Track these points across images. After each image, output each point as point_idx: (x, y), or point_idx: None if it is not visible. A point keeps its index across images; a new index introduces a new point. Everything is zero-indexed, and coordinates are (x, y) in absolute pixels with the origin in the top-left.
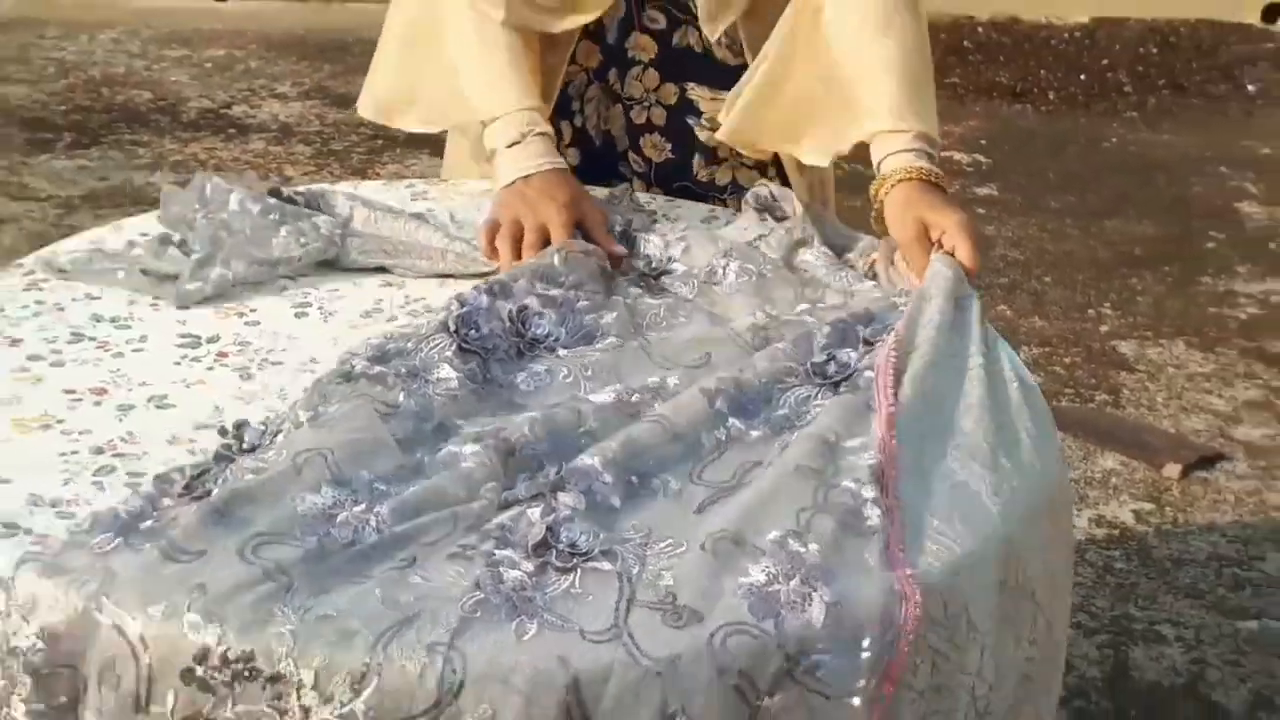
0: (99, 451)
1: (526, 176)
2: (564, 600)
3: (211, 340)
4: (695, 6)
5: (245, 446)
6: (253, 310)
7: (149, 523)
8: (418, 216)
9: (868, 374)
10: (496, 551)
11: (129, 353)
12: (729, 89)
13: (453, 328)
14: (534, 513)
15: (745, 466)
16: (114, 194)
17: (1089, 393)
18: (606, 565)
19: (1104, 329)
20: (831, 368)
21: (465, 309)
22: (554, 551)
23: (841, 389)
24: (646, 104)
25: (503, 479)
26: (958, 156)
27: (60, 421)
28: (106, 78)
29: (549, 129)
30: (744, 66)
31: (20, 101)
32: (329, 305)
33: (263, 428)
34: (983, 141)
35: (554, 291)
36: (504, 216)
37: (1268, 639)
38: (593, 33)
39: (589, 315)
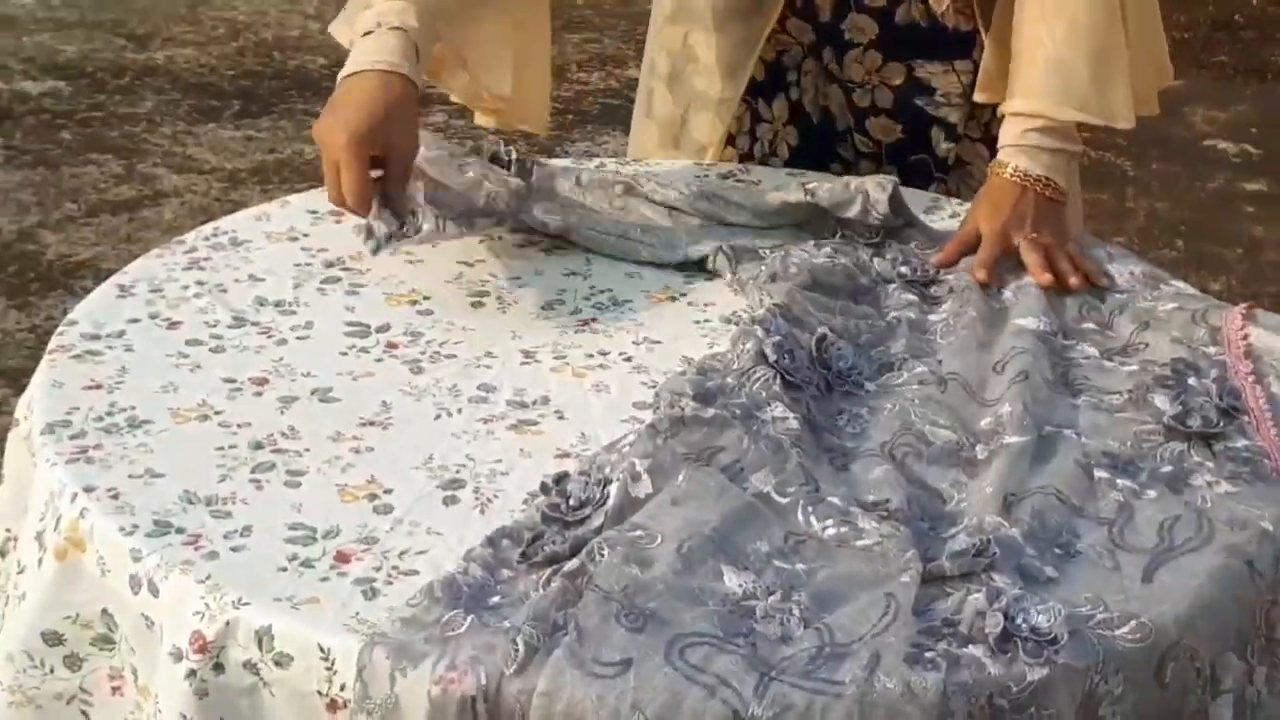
0: (258, 446)
1: (353, 74)
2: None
3: (381, 330)
4: None
5: (573, 504)
6: (426, 298)
7: (496, 598)
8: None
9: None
10: (959, 651)
11: (293, 340)
12: (964, 59)
13: (772, 357)
14: (978, 599)
15: (1168, 524)
16: (282, 167)
17: None
18: (1079, 652)
19: None
20: (1194, 422)
21: (776, 336)
22: (1019, 642)
23: (1214, 445)
24: (869, 86)
25: (912, 551)
26: (1222, 145)
27: (218, 413)
28: (279, 41)
29: (415, 28)
30: (977, 31)
31: (187, 65)
32: (508, 294)
33: (585, 479)
34: (1253, 129)
35: (837, 320)
36: (317, 137)
37: None
38: (802, 10)
39: (878, 347)
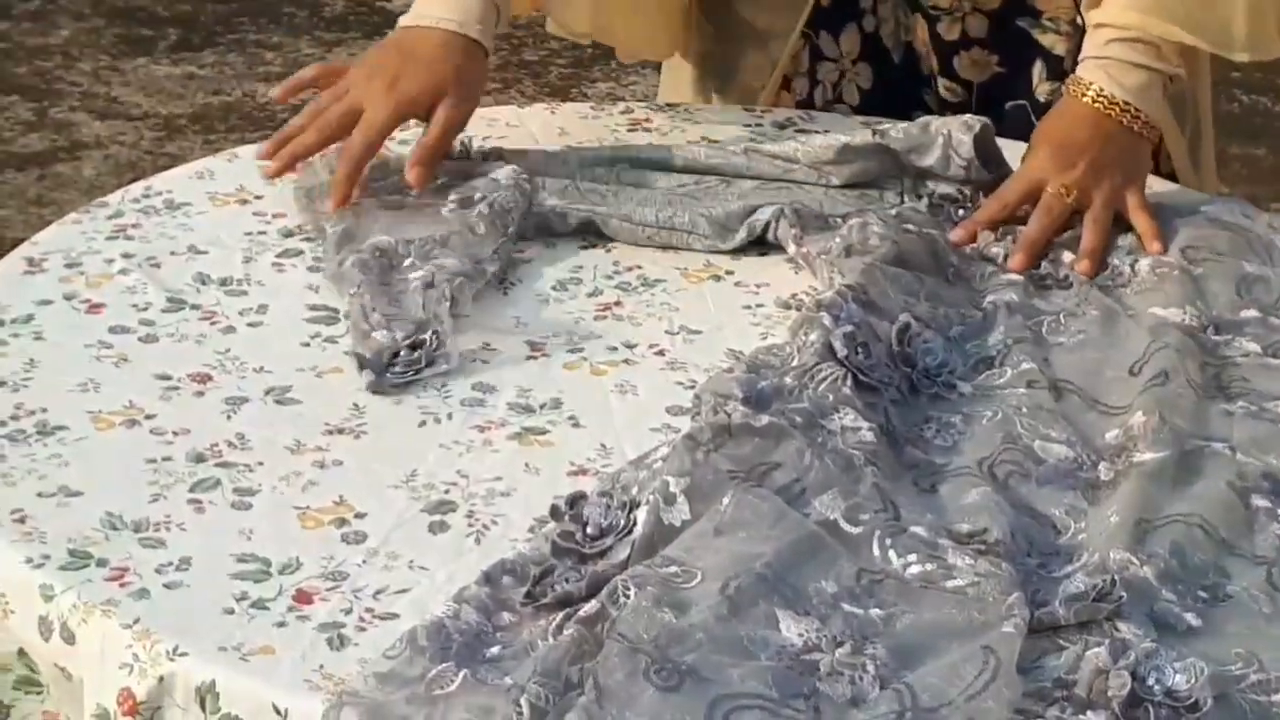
0: (199, 459)
1: (410, 28)
2: None
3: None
4: None
5: (591, 532)
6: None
7: (495, 648)
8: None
9: None
10: (1075, 718)
11: (243, 327)
12: None
13: (842, 352)
14: (1099, 654)
15: None
16: (230, 113)
17: None
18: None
19: None
20: None
21: (848, 326)
22: (1151, 708)
23: None
24: (959, 13)
25: (1017, 594)
26: None
27: (150, 417)
28: None
29: None
30: None
31: None
32: (510, 271)
33: (606, 501)
34: None
35: (923, 306)
36: (349, 77)
37: None
38: None
39: (975, 339)
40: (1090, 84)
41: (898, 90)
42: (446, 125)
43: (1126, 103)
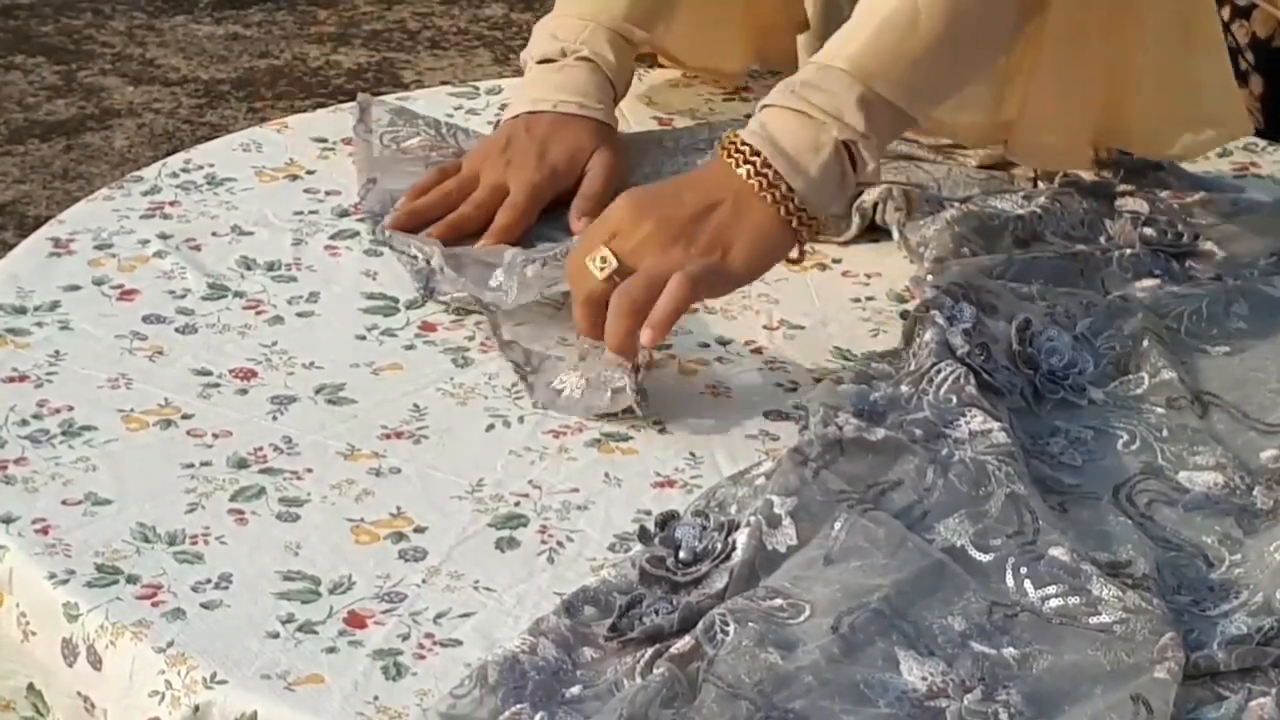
0: (241, 465)
1: (535, 113)
2: None
3: (413, 305)
4: None
5: (684, 557)
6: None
7: (576, 688)
8: None
9: None
10: None
11: (292, 318)
12: None
13: (961, 349)
14: (1264, 704)
15: None
16: (279, 76)
17: None
18: None
19: None
20: None
21: (965, 322)
22: None
23: None
24: None
25: (1170, 634)
26: None
27: (187, 417)
28: None
29: (610, 56)
30: None
31: None
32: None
33: (702, 523)
34: None
35: (1038, 305)
36: (467, 164)
37: None
38: None
39: (1105, 334)
40: (739, 136)
41: None
42: (608, 173)
43: (753, 151)
